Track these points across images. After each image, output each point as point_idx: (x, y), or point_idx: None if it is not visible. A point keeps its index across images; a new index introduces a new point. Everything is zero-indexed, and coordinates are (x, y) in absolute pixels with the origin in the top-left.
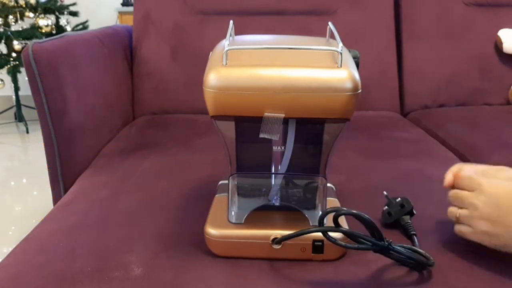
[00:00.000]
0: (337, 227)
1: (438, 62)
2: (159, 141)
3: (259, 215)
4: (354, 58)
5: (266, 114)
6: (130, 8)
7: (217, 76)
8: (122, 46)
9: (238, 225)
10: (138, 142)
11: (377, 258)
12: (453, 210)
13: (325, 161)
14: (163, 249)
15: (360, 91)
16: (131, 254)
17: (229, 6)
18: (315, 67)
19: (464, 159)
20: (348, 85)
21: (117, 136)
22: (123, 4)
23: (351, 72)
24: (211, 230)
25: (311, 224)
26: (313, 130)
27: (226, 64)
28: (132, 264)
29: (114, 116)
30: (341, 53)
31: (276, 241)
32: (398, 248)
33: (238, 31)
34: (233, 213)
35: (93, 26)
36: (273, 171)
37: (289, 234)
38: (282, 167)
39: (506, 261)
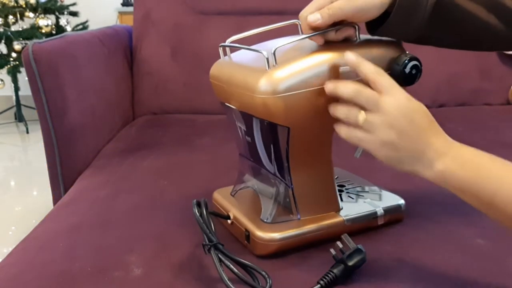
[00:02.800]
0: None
1: (438, 62)
2: (159, 141)
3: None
4: (411, 61)
5: (223, 103)
6: (130, 8)
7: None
8: (122, 46)
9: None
10: (138, 142)
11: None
12: (354, 112)
13: (285, 167)
14: (163, 249)
15: (280, 95)
16: (131, 254)
17: (229, 6)
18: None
19: None
20: (263, 87)
21: (117, 136)
22: (123, 4)
23: (271, 75)
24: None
25: (260, 217)
26: (271, 130)
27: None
28: (132, 264)
29: (114, 116)
30: (267, 58)
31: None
32: None
33: (238, 31)
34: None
35: (93, 26)
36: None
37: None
38: (253, 157)
39: None
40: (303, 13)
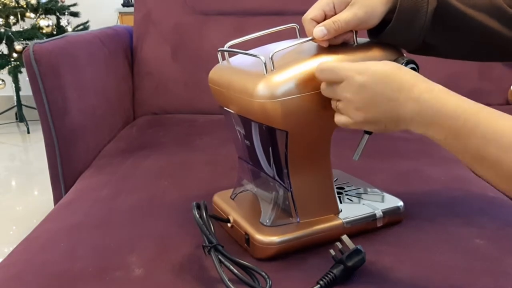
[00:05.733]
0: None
1: (438, 62)
2: (159, 141)
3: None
4: (408, 64)
5: (222, 107)
6: (131, 9)
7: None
8: (122, 47)
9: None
10: (138, 142)
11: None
12: (332, 102)
13: (284, 170)
14: (163, 250)
15: (278, 99)
16: (131, 254)
17: (229, 6)
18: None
19: None
20: (261, 92)
21: (118, 136)
22: (124, 5)
23: (269, 80)
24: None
25: (260, 220)
26: (270, 134)
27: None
28: (133, 265)
29: (114, 116)
30: (264, 62)
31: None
32: None
33: (238, 31)
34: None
35: (93, 26)
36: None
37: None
38: (252, 161)
39: None
40: (306, 16)
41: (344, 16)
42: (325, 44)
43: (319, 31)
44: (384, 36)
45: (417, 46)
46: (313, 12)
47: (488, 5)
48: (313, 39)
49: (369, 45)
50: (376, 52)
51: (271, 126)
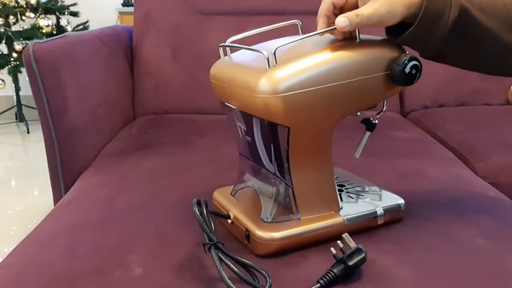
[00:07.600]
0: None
1: None
2: (159, 141)
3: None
4: (411, 61)
5: (224, 102)
6: (131, 8)
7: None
8: (122, 46)
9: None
10: (138, 142)
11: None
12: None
13: (285, 166)
14: (163, 249)
15: (281, 94)
16: (131, 254)
17: (229, 6)
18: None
19: (464, 159)
20: (263, 87)
21: (118, 136)
22: (124, 4)
23: (271, 75)
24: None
25: (261, 216)
26: (272, 129)
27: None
28: (133, 264)
29: (114, 116)
30: (267, 57)
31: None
32: None
33: (238, 31)
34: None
35: (93, 26)
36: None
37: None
38: (253, 157)
39: None
40: (320, 11)
41: (367, 12)
42: (340, 36)
43: (342, 21)
44: (402, 39)
45: (432, 53)
46: (325, 4)
47: (504, 17)
48: (325, 31)
49: (371, 41)
50: (379, 48)
51: (273, 122)
